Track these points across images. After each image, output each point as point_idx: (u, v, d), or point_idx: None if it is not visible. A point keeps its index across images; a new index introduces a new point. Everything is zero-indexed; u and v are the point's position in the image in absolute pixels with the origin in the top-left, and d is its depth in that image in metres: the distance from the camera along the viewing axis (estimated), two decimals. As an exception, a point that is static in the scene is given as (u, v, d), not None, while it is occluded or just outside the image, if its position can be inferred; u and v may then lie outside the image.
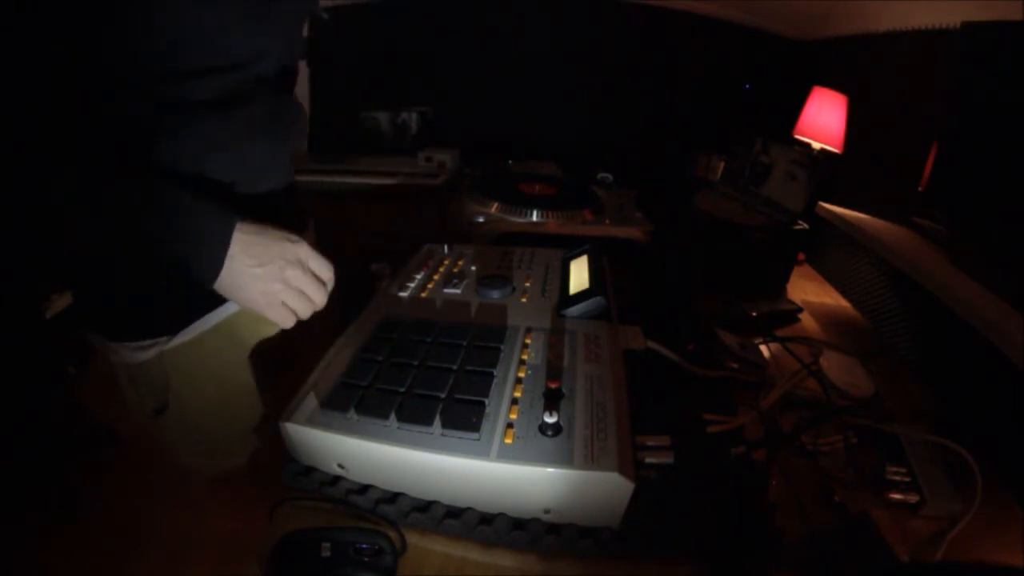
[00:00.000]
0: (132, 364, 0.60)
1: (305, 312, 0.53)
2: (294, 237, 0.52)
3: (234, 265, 0.48)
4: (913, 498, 0.51)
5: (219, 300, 0.60)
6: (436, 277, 0.70)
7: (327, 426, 0.45)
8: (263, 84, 0.56)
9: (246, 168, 0.57)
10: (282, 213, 0.71)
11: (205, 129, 0.52)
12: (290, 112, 0.63)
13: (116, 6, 0.42)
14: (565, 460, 0.41)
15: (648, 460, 0.48)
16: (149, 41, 0.45)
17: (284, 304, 0.52)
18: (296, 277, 0.51)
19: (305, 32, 0.65)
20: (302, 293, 0.52)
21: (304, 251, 0.53)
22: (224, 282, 0.49)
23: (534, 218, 1.01)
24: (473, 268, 0.72)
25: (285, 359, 0.70)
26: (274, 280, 0.50)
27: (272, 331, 0.69)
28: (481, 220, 1.00)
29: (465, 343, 0.54)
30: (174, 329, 0.59)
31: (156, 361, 0.60)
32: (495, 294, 0.65)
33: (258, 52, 0.53)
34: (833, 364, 0.69)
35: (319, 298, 0.54)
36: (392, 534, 0.42)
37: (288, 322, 0.53)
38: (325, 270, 0.55)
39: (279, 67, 0.58)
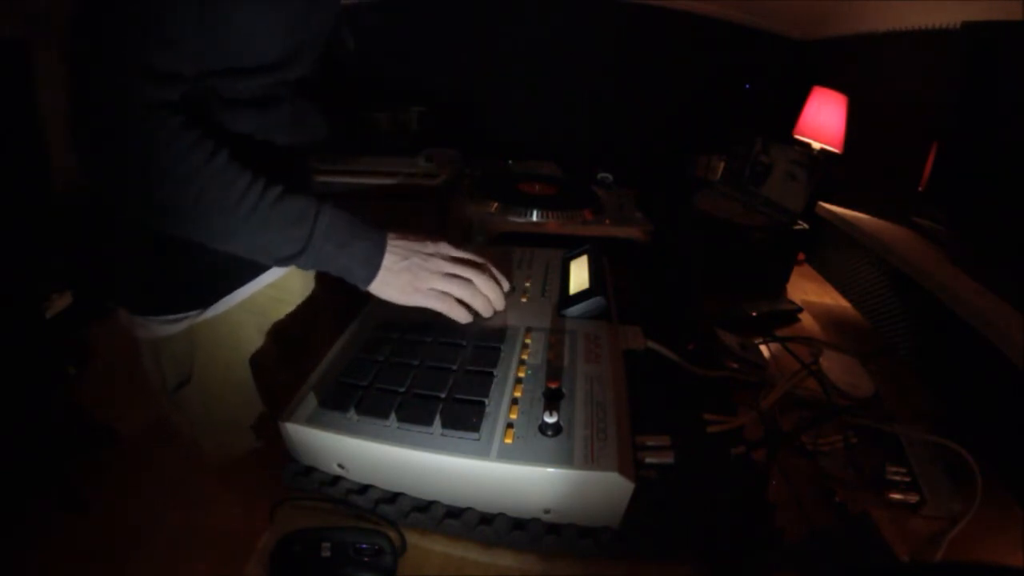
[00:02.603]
0: (159, 338, 0.62)
1: (467, 293, 0.56)
2: (434, 236, 0.58)
3: (385, 263, 0.54)
4: (913, 498, 0.51)
5: (246, 277, 0.64)
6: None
7: (327, 426, 0.45)
8: (290, 87, 0.59)
9: (271, 165, 0.58)
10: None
11: (240, 124, 0.54)
12: (309, 115, 0.65)
13: (180, 5, 0.44)
14: (565, 460, 0.41)
15: (648, 460, 0.48)
16: (204, 38, 0.46)
17: (443, 292, 0.56)
18: (438, 264, 0.56)
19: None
20: (456, 277, 0.56)
21: (443, 246, 0.58)
22: (378, 281, 0.54)
23: (534, 218, 1.01)
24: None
25: (300, 336, 0.73)
26: (420, 270, 0.55)
27: (289, 311, 0.72)
28: (481, 220, 1.00)
29: (465, 343, 0.54)
30: (204, 303, 0.62)
31: (184, 335, 0.62)
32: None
33: (294, 56, 0.55)
34: (833, 364, 0.69)
35: (473, 275, 0.57)
36: (392, 534, 0.42)
37: (451, 308, 0.56)
38: (472, 255, 0.59)
39: (305, 72, 0.60)
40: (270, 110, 0.57)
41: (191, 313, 0.61)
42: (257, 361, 0.68)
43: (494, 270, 0.61)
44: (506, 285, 0.61)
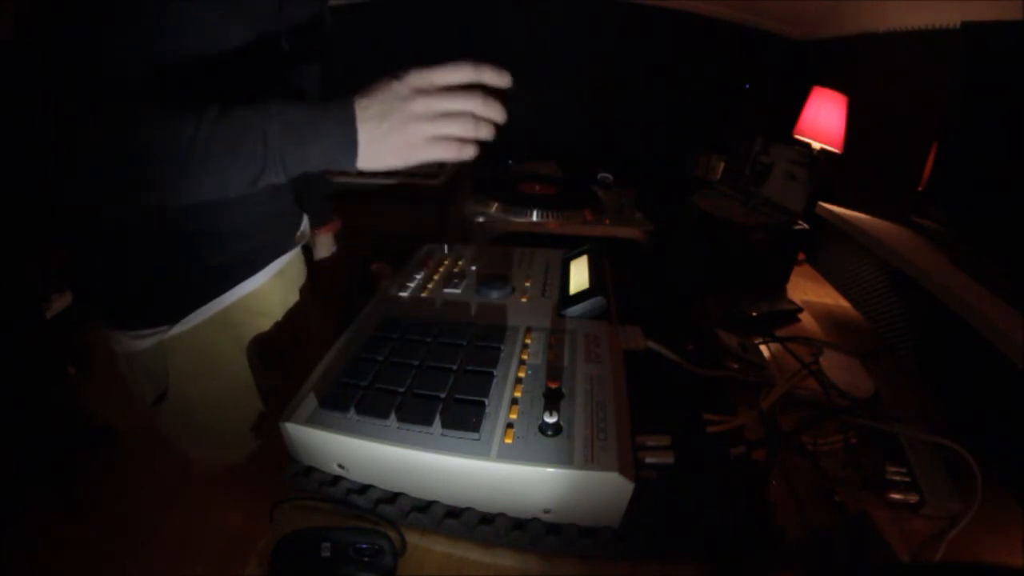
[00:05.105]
0: (132, 352, 0.61)
1: (469, 127, 0.47)
2: (397, 73, 0.47)
3: (363, 137, 0.46)
4: (913, 498, 0.51)
5: (217, 290, 0.62)
6: (436, 277, 0.70)
7: (327, 426, 0.45)
8: (273, 83, 0.57)
9: None
10: (286, 203, 0.72)
11: None
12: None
13: (126, 5, 0.43)
14: (565, 460, 0.41)
15: (648, 460, 0.48)
16: (158, 37, 0.46)
17: (439, 138, 0.47)
18: (425, 104, 0.46)
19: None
20: (447, 114, 0.47)
21: (414, 78, 0.47)
22: (365, 156, 0.46)
23: (534, 218, 1.01)
24: (473, 268, 0.72)
25: (282, 348, 0.71)
26: (406, 123, 0.46)
27: (268, 324, 0.70)
28: (481, 220, 1.00)
29: (465, 343, 0.54)
30: (173, 319, 0.60)
31: (155, 350, 0.61)
32: (495, 294, 0.65)
33: (267, 51, 0.54)
34: (833, 364, 0.69)
35: (470, 103, 0.47)
36: (392, 534, 0.43)
37: (460, 151, 0.48)
38: (450, 72, 0.47)
39: (289, 67, 0.59)
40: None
41: (159, 329, 0.60)
42: (236, 374, 0.67)
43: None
44: (506, 80, 0.49)
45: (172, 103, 0.43)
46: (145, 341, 0.60)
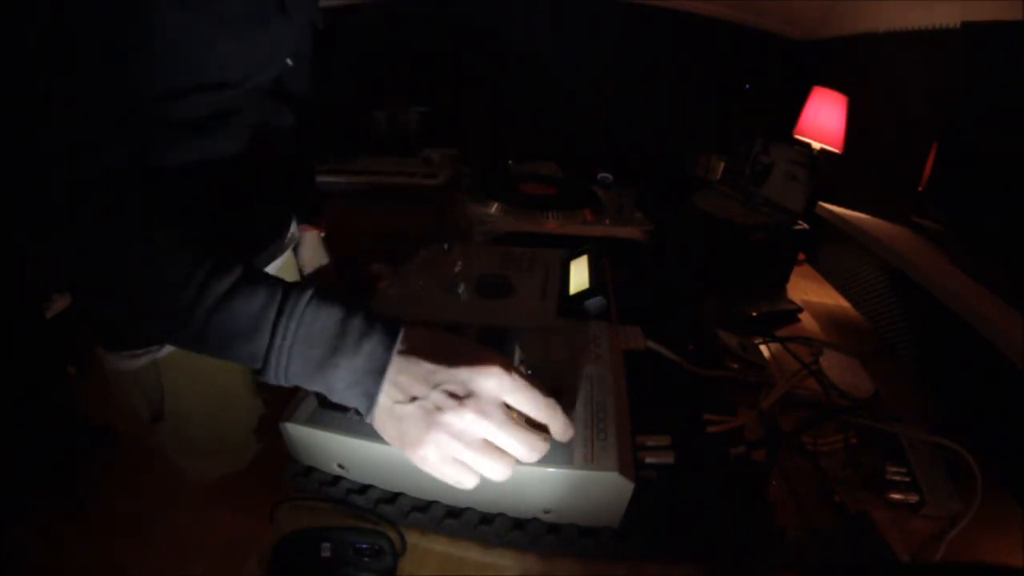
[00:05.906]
0: (127, 372, 0.60)
1: (497, 474, 0.36)
2: (483, 353, 0.36)
3: (384, 398, 0.35)
4: (913, 498, 0.51)
5: None
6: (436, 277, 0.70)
7: (327, 426, 0.45)
8: (256, 95, 0.56)
9: (236, 176, 0.57)
10: (268, 214, 0.71)
11: (195, 143, 0.51)
12: (280, 119, 0.62)
13: (112, 28, 0.40)
14: (565, 460, 0.41)
15: (648, 460, 0.48)
16: (141, 62, 0.43)
17: (459, 463, 0.36)
18: (474, 423, 0.34)
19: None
20: (484, 445, 0.35)
21: (487, 380, 0.35)
22: (376, 420, 0.36)
23: (534, 218, 1.01)
24: (473, 268, 0.72)
25: None
26: (430, 427, 0.34)
27: None
28: (481, 220, 1.00)
29: (465, 343, 0.54)
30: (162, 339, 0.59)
31: (150, 369, 0.60)
32: (495, 294, 0.65)
33: (254, 68, 0.53)
34: (833, 364, 0.69)
35: (521, 450, 0.36)
36: (392, 534, 0.43)
37: (463, 482, 0.36)
38: (530, 402, 0.36)
39: (274, 79, 0.58)
40: (231, 124, 0.53)
41: (151, 348, 0.59)
42: (233, 386, 0.66)
43: (559, 418, 0.38)
44: (569, 433, 0.39)
45: (184, 239, 0.36)
46: (139, 360, 0.59)
